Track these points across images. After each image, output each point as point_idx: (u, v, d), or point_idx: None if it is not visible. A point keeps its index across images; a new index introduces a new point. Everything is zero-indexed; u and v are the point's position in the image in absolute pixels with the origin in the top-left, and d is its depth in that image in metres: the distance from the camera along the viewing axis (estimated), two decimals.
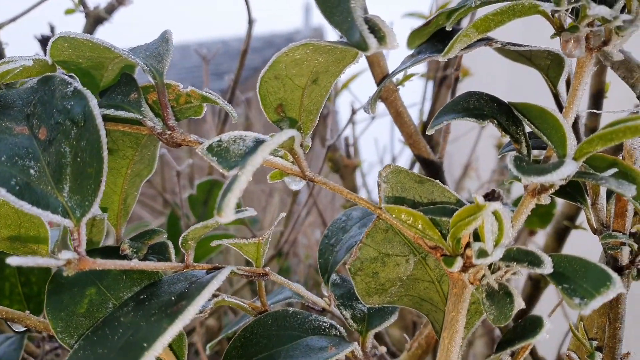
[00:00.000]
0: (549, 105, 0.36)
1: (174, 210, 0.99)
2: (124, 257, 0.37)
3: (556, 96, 0.43)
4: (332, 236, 0.48)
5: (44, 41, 0.75)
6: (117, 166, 0.42)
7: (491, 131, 1.33)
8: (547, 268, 0.29)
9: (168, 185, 1.33)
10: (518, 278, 0.33)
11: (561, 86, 0.42)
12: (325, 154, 0.79)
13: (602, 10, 0.28)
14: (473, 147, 1.24)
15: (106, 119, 0.37)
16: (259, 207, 1.45)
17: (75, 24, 0.86)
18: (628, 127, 0.27)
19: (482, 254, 0.28)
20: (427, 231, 0.31)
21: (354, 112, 0.67)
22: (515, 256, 0.29)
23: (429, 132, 0.33)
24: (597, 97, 0.56)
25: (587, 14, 0.29)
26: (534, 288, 0.71)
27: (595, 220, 0.41)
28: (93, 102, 0.32)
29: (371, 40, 0.26)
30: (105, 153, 0.31)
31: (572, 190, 0.40)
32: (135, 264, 0.33)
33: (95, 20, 0.77)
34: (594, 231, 0.41)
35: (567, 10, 0.34)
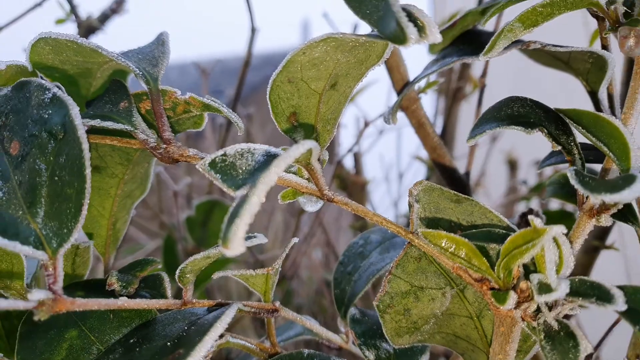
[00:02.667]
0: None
1: (171, 233, 0.93)
2: (112, 293, 0.31)
3: (597, 104, 0.38)
4: (349, 263, 0.43)
5: None
6: (105, 186, 0.37)
7: (501, 146, 1.27)
8: (620, 304, 0.24)
9: (165, 205, 1.27)
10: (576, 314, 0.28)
11: (602, 93, 0.38)
12: (334, 170, 0.74)
13: None
14: (483, 163, 1.19)
15: (91, 131, 0.32)
16: (260, 227, 1.39)
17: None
18: None
19: (545, 288, 0.23)
20: (472, 260, 0.26)
21: (366, 124, 0.62)
22: (579, 290, 0.24)
23: (469, 143, 0.29)
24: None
25: None
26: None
27: None
28: (74, 110, 0.27)
29: (410, 30, 0.21)
30: (88, 170, 0.26)
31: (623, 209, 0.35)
32: (123, 302, 0.28)
33: (87, 30, 0.73)
34: None
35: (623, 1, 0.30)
